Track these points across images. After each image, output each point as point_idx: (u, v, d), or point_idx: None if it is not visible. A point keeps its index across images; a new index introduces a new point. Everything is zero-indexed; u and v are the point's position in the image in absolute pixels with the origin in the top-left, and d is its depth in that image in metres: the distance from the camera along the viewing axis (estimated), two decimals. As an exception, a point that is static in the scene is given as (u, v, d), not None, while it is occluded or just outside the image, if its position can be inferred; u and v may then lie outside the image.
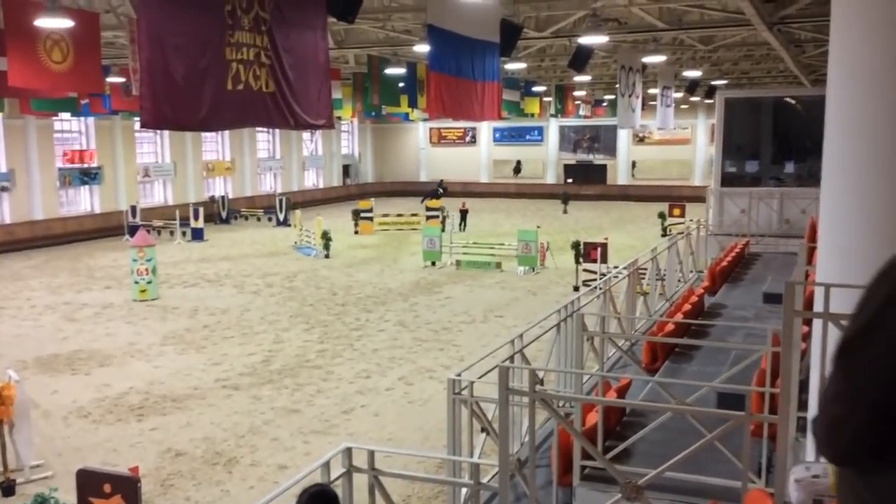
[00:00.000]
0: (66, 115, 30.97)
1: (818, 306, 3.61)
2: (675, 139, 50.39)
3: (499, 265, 25.69)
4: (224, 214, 40.40)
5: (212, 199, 41.46)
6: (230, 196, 42.61)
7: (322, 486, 3.77)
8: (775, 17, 13.34)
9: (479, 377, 6.35)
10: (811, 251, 8.00)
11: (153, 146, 40.26)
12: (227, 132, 40.20)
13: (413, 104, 21.25)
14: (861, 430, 1.86)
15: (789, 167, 20.48)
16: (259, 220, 40.53)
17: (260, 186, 47.10)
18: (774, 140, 20.93)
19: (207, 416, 12.28)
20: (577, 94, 32.25)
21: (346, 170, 55.97)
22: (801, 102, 20.89)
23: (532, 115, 29.98)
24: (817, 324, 3.85)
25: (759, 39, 17.17)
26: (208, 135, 41.14)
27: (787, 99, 21.74)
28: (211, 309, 20.03)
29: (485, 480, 5.03)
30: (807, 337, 5.58)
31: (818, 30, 15.37)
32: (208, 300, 21.13)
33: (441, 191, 50.58)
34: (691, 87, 27.84)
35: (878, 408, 1.84)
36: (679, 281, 15.85)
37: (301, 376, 14.28)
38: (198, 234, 33.31)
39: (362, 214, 35.43)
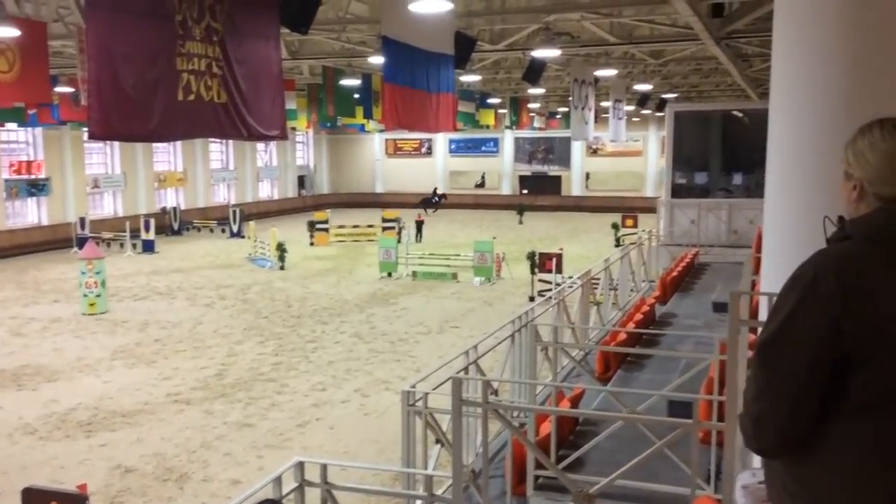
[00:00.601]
0: (13, 126, 30.22)
1: (763, 315, 3.70)
2: (628, 151, 51.16)
3: (455, 276, 25.76)
4: (176, 226, 39.82)
5: (163, 210, 40.85)
6: (182, 207, 42.02)
7: (273, 501, 3.74)
8: (723, 32, 13.65)
9: (434, 388, 6.36)
10: (757, 261, 8.19)
11: (103, 157, 39.53)
12: (179, 142, 39.66)
13: (368, 115, 21.22)
14: (784, 425, 1.95)
15: (737, 179, 20.94)
16: (212, 231, 40.03)
17: (213, 197, 46.53)
18: (723, 152, 21.39)
19: (158, 432, 12.05)
20: (531, 106, 32.57)
21: (301, 181, 55.64)
22: (749, 116, 21.38)
23: (487, 127, 30.17)
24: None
25: (708, 54, 17.56)
26: (160, 145, 40.55)
27: (735, 112, 22.25)
28: (162, 322, 19.69)
29: (439, 492, 5.03)
30: (753, 345, 5.71)
31: (764, 45, 15.77)
32: (159, 313, 20.77)
33: (437, 199, 50.55)
34: (642, 100, 28.33)
35: (799, 403, 1.92)
36: (631, 290, 16.07)
37: (255, 390, 14.11)
38: (149, 246, 32.78)
39: (318, 226, 35.23)
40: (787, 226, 4.24)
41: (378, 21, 13.98)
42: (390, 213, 36.90)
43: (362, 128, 35.26)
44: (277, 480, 4.37)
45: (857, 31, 3.77)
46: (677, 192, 20.13)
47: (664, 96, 29.15)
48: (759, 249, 10.97)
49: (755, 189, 19.28)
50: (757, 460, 4.12)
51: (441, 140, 56.06)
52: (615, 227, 33.37)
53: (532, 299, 20.78)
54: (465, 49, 12.51)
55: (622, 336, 9.43)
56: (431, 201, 51.30)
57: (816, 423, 1.93)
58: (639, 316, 11.03)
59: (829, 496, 1.92)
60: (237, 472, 10.54)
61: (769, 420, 1.98)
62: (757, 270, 8.22)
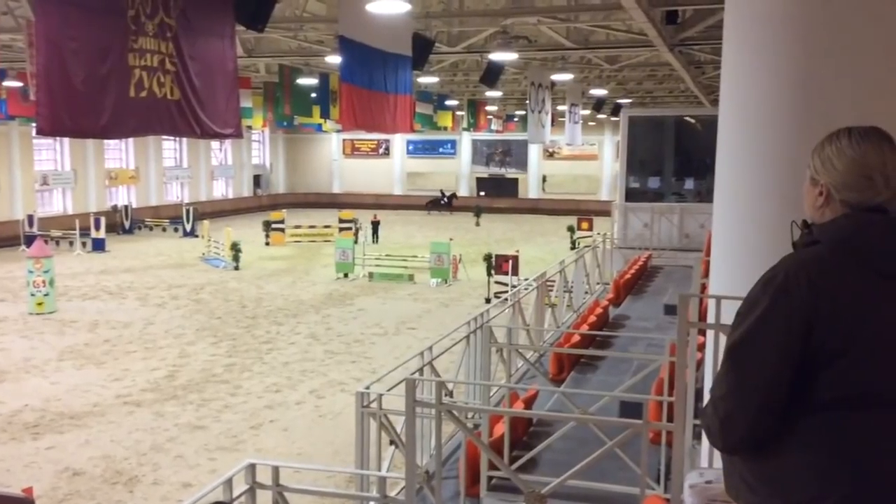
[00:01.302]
0: (-43, 120, 29.37)
1: (712, 318, 3.77)
2: (584, 155, 51.68)
3: (412, 277, 25.74)
4: (127, 224, 39.18)
5: (114, 208, 40.11)
6: (134, 205, 41.28)
7: (224, 504, 3.70)
8: (676, 39, 13.86)
9: (389, 390, 6.35)
10: (707, 265, 8.34)
11: (52, 153, 38.65)
12: (131, 139, 38.96)
13: (325, 115, 21.04)
14: (752, 424, 2.00)
15: (689, 184, 21.31)
16: (164, 230, 39.41)
17: (166, 196, 45.80)
18: (675, 157, 21.74)
19: (107, 434, 11.83)
20: (489, 108, 32.69)
21: (256, 180, 55.06)
22: (701, 121, 21.76)
23: (445, 129, 30.20)
24: (711, 334, 4.02)
25: (662, 60, 17.81)
26: (111, 142, 39.74)
27: (688, 118, 22.64)
28: (112, 322, 19.33)
29: (393, 494, 5.02)
30: (703, 347, 5.82)
31: (716, 52, 16.02)
32: (109, 313, 20.38)
33: (446, 200, 49.97)
34: (598, 104, 28.65)
35: (767, 403, 1.97)
36: (586, 293, 16.23)
37: (207, 391, 13.93)
38: (99, 245, 32.17)
39: (274, 225, 34.90)
40: (735, 230, 4.32)
41: (336, 20, 13.88)
42: (347, 213, 36.75)
43: (319, 127, 34.97)
44: (228, 483, 4.33)
45: (804, 38, 3.87)
46: (631, 196, 20.40)
47: (619, 101, 29.51)
48: (709, 253, 11.17)
49: (706, 194, 19.62)
50: (704, 460, 4.20)
51: (399, 141, 55.97)
52: (571, 229, 33.68)
53: (488, 301, 20.87)
54: (423, 51, 12.51)
55: (576, 338, 9.53)
56: (440, 203, 50.83)
57: (783, 421, 1.98)
58: (592, 318, 11.16)
59: (791, 491, 1.96)
60: (188, 475, 10.39)
61: (737, 420, 2.03)
62: (706, 274, 8.37)
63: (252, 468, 4.52)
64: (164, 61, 7.67)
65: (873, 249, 1.96)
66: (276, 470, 4.64)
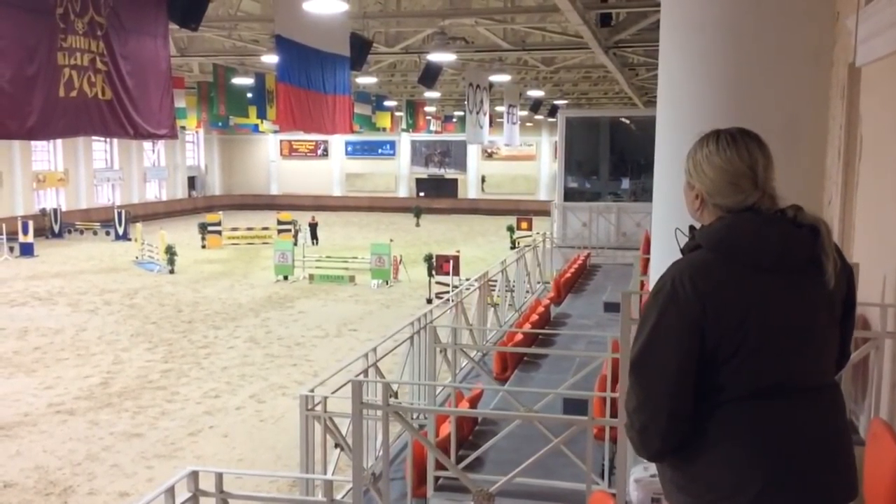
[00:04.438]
0: None
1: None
2: (522, 155, 52.17)
3: (352, 279, 25.60)
4: (56, 228, 37.99)
5: (42, 211, 38.83)
6: (63, 209, 40.01)
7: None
8: (611, 41, 14.10)
9: (333, 392, 6.30)
10: (645, 262, 8.52)
11: (-25, 155, 37.20)
12: (59, 141, 37.76)
13: (262, 115, 20.77)
14: (665, 433, 2.06)
15: (625, 183, 21.70)
16: (96, 234, 38.32)
17: (96, 198, 44.51)
18: (611, 158, 22.12)
19: (39, 444, 11.45)
20: (427, 109, 32.72)
21: (191, 182, 53.96)
22: (635, 122, 22.20)
23: (384, 130, 30.13)
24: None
25: (597, 62, 18.12)
26: (39, 143, 38.47)
27: (623, 119, 23.06)
28: (42, 329, 18.71)
29: (339, 497, 4.99)
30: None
31: (649, 54, 16.43)
32: (39, 320, 19.72)
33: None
34: (535, 105, 28.94)
35: (675, 409, 2.04)
36: (527, 292, 16.38)
37: (143, 398, 13.60)
38: (27, 250, 31.12)
39: (210, 228, 34.25)
40: (672, 229, 4.41)
41: (271, 20, 13.72)
42: (286, 215, 36.32)
43: (256, 128, 34.48)
44: (170, 491, 4.23)
45: (737, 40, 3.98)
46: (569, 195, 20.67)
47: (556, 102, 29.89)
48: (646, 251, 11.40)
49: (641, 193, 20.05)
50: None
51: (337, 142, 55.59)
52: (510, 229, 33.96)
53: (430, 301, 20.90)
54: (360, 51, 12.45)
55: (519, 337, 9.60)
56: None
57: (695, 421, 2.04)
58: (534, 317, 11.26)
59: (712, 486, 2.03)
60: (125, 484, 10.14)
61: (652, 430, 2.10)
62: (645, 271, 8.55)
63: (195, 475, 4.43)
64: (95, 60, 7.48)
65: (745, 248, 2.04)
66: (219, 476, 4.55)
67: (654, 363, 2.07)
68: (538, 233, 24.26)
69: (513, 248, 31.47)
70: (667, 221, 4.44)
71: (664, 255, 4.50)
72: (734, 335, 2.00)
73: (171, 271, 27.16)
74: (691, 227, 2.21)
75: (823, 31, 4.12)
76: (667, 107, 4.48)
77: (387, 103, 28.22)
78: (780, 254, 2.03)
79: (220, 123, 28.55)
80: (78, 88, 7.27)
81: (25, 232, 31.23)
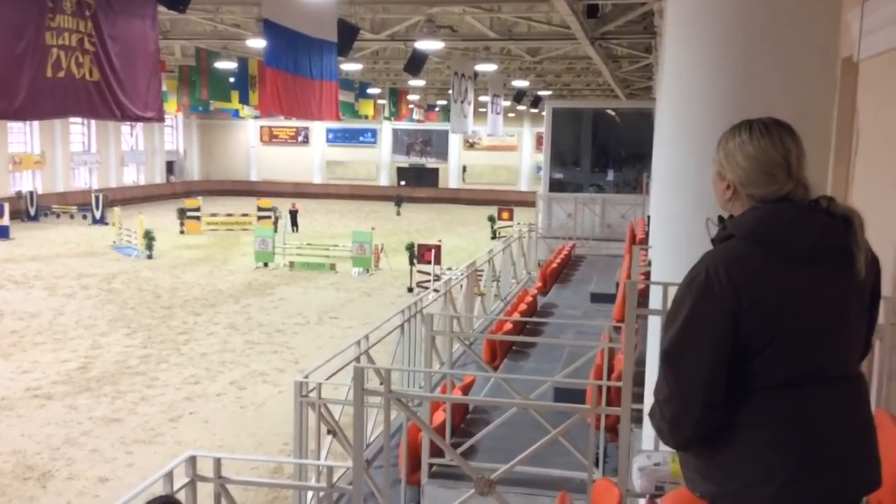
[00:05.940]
0: None
1: (653, 303, 3.86)
2: (504, 146, 52.16)
3: (333, 266, 25.50)
4: (33, 211, 37.49)
5: (18, 194, 38.25)
6: (40, 191, 39.44)
7: (168, 498, 3.58)
8: (597, 32, 14.10)
9: (327, 378, 6.28)
10: (631, 253, 8.54)
11: (-51, 135, 36.58)
12: (36, 122, 37.19)
13: (245, 100, 20.53)
14: (698, 423, 2.06)
15: (609, 175, 21.79)
16: (73, 217, 37.84)
17: (73, 182, 43.90)
18: (596, 150, 22.19)
19: (17, 428, 11.32)
20: (411, 97, 32.57)
21: (170, 166, 53.40)
22: (620, 115, 22.26)
23: (366, 117, 29.96)
24: (653, 320, 4.12)
25: (581, 54, 18.12)
26: (15, 125, 37.86)
27: (609, 111, 23.11)
28: (19, 313, 18.46)
29: (333, 482, 4.97)
30: (636, 333, 5.95)
31: (633, 47, 16.47)
32: (16, 303, 19.46)
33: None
34: (518, 96, 28.89)
35: (708, 399, 2.04)
36: (513, 282, 16.41)
37: (122, 383, 13.47)
38: (2, 233, 30.73)
39: (189, 213, 33.93)
40: (675, 220, 4.42)
41: (253, 3, 13.62)
42: (266, 201, 36.09)
43: (236, 113, 34.29)
44: (169, 475, 4.19)
45: (745, 30, 3.98)
46: (555, 186, 20.73)
47: (539, 93, 29.87)
48: (632, 243, 11.46)
49: (624, 185, 20.15)
50: (650, 444, 4.30)
51: (318, 129, 55.22)
52: (491, 219, 33.97)
53: (411, 290, 20.90)
54: (347, 37, 12.37)
55: (508, 326, 9.62)
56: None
57: (725, 411, 2.05)
58: (522, 306, 11.28)
59: (739, 475, 2.03)
60: (104, 469, 10.05)
61: (684, 420, 2.09)
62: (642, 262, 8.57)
63: (193, 460, 4.39)
64: (83, 40, 7.39)
65: (780, 238, 2.04)
66: (217, 462, 4.52)
67: (688, 353, 2.06)
68: (519, 223, 24.31)
69: (494, 237, 31.50)
70: (669, 210, 4.46)
71: (666, 246, 4.51)
72: (768, 325, 2.00)
73: (150, 256, 26.90)
74: (720, 217, 2.20)
75: (832, 25, 4.13)
76: (670, 96, 4.48)
77: (370, 90, 28.05)
78: (814, 244, 2.03)
79: (200, 108, 28.25)
80: (66, 69, 7.17)
81: (1, 214, 30.81)
